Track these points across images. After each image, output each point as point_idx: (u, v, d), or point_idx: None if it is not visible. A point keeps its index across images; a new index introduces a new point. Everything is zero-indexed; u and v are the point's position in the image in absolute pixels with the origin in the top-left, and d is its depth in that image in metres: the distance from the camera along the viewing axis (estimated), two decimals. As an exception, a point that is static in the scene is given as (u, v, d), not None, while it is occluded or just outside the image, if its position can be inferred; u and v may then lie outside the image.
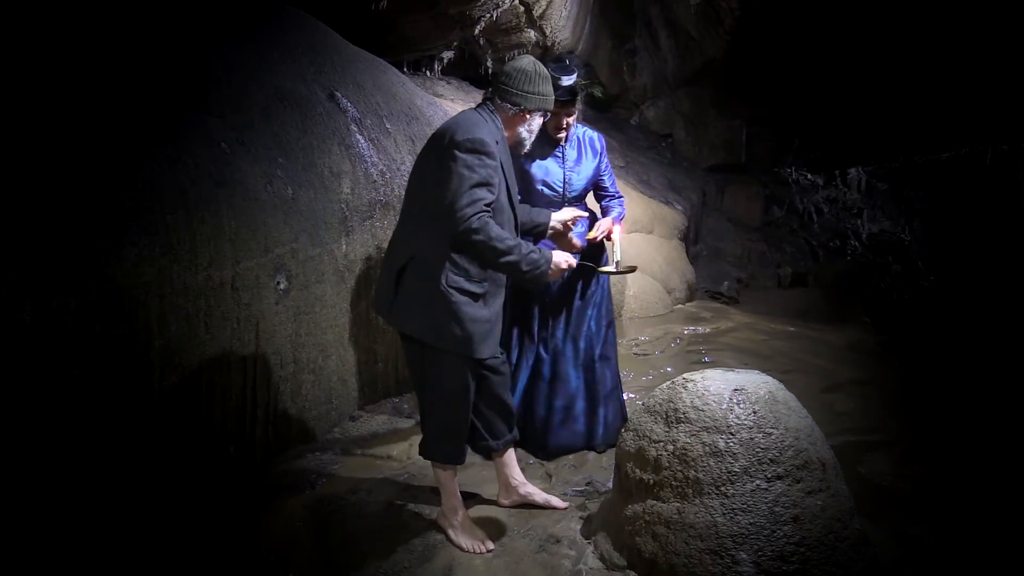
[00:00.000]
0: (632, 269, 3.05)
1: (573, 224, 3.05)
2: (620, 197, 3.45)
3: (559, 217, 3.00)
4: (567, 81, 3.08)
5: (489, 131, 2.58)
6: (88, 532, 2.62)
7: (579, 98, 3.18)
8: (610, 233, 3.22)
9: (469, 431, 2.84)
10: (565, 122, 3.19)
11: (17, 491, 2.51)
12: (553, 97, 2.74)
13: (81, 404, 2.64)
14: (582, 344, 3.43)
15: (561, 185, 3.28)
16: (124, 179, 2.81)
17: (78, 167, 2.74)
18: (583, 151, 3.34)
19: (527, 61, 2.70)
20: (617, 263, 3.04)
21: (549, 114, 2.80)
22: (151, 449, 2.84)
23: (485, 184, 2.49)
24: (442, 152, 2.54)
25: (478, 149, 2.49)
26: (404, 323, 2.67)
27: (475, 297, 2.61)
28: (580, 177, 3.32)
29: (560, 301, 3.40)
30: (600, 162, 3.37)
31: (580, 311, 3.42)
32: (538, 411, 3.42)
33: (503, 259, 2.51)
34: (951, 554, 2.78)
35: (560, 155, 3.29)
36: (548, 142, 3.25)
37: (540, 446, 3.45)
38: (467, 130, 2.53)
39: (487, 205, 2.49)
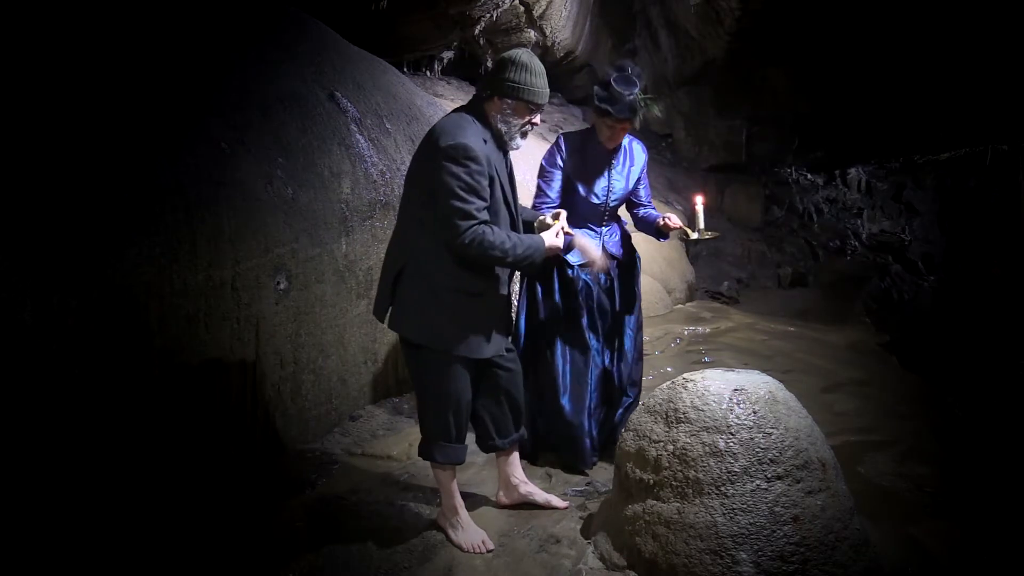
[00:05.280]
0: (716, 235, 3.39)
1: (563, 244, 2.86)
2: (653, 207, 3.44)
3: (551, 241, 2.73)
4: (630, 96, 3.03)
5: (473, 132, 2.51)
6: (87, 531, 2.62)
7: (639, 115, 3.10)
8: (695, 204, 3.28)
9: (476, 428, 2.84)
10: (618, 134, 3.17)
11: (17, 490, 2.51)
12: (531, 88, 2.54)
13: (81, 404, 2.64)
14: (625, 347, 3.41)
15: (605, 194, 3.26)
16: (125, 179, 2.81)
17: (79, 167, 2.74)
18: (626, 158, 3.31)
19: (514, 51, 2.61)
20: (700, 230, 3.21)
21: (536, 110, 2.62)
22: (151, 449, 2.84)
23: (472, 191, 2.46)
24: (429, 158, 2.52)
25: (461, 155, 2.44)
26: (402, 327, 2.66)
27: (473, 296, 2.60)
28: (622, 185, 3.31)
29: (605, 305, 3.36)
30: (642, 170, 3.35)
31: (621, 315, 3.40)
32: (594, 413, 3.35)
33: (501, 262, 2.57)
34: (951, 554, 2.78)
35: (608, 165, 3.26)
36: (599, 151, 3.22)
37: (595, 448, 3.37)
38: (451, 135, 2.47)
39: (479, 211, 2.47)
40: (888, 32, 7.25)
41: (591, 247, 3.10)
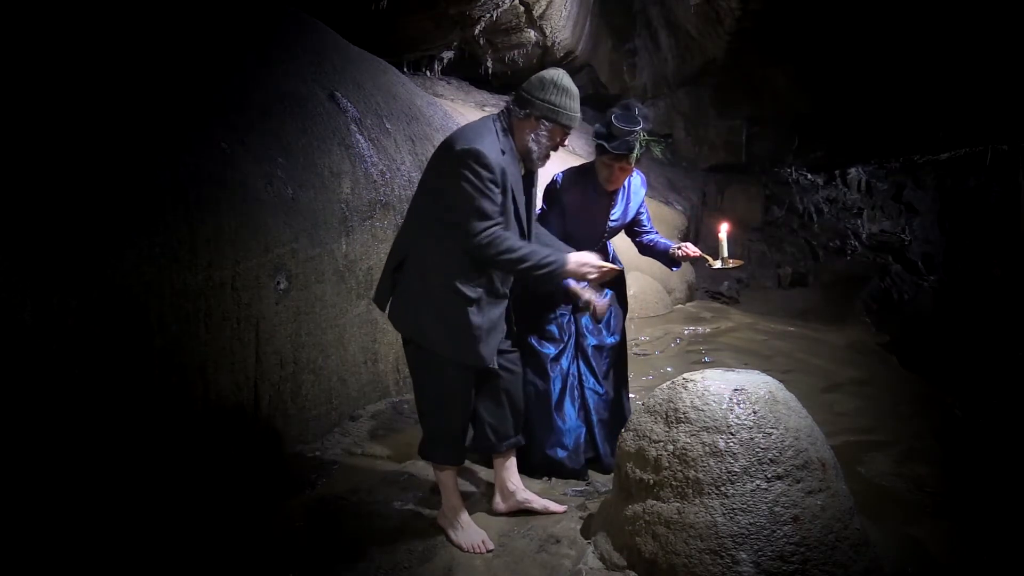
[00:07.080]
0: (740, 264, 3.24)
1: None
2: (656, 232, 3.41)
3: (578, 260, 2.66)
4: (629, 134, 2.95)
5: (491, 141, 2.51)
6: (87, 531, 2.62)
7: (635, 154, 2.99)
8: (719, 231, 3.21)
9: (474, 429, 2.83)
10: (617, 176, 3.09)
11: (17, 489, 2.51)
12: (571, 113, 2.56)
13: (81, 404, 2.64)
14: (613, 367, 3.40)
15: (601, 229, 3.24)
16: (125, 179, 2.81)
17: (79, 168, 2.74)
18: (624, 195, 3.25)
19: (552, 71, 2.61)
20: (723, 258, 3.14)
21: (567, 131, 2.61)
22: (151, 449, 2.84)
23: (486, 196, 2.46)
24: (443, 161, 2.54)
25: (474, 160, 2.44)
26: (398, 321, 2.68)
27: (468, 302, 2.57)
28: (619, 221, 3.27)
29: (591, 329, 3.36)
30: (641, 203, 3.31)
31: (612, 321, 3.39)
32: (593, 424, 3.34)
33: (519, 266, 2.52)
34: (951, 554, 2.78)
35: (607, 204, 3.21)
36: (598, 190, 3.17)
37: (596, 460, 3.37)
38: (467, 140, 2.49)
39: (495, 213, 2.48)
40: (888, 32, 7.25)
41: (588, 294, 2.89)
